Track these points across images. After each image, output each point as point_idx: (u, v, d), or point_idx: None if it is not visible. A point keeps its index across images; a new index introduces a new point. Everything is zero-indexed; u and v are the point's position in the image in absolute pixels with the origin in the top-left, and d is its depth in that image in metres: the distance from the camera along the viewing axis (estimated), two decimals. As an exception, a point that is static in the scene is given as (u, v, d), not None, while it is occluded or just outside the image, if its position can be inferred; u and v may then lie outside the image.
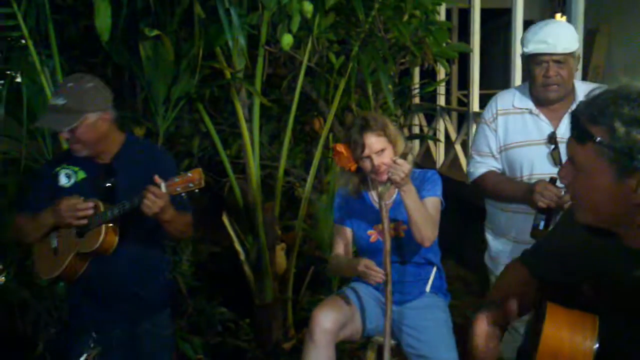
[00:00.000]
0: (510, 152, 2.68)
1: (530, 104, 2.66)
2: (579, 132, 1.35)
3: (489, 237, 2.88)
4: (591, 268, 1.48)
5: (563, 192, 2.36)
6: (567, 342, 1.41)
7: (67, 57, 3.47)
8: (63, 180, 2.46)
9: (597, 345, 1.39)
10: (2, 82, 3.49)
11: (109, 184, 2.45)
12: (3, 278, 1.90)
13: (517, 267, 1.77)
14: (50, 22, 3.13)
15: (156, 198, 2.19)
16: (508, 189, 2.64)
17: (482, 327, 1.56)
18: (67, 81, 2.41)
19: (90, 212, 2.33)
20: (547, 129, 2.61)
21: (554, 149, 2.59)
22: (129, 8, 3.05)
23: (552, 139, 2.60)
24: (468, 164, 2.85)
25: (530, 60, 2.57)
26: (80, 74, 2.53)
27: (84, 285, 2.47)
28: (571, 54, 2.54)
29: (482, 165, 2.74)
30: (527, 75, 2.66)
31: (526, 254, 1.78)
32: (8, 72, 3.41)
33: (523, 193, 2.51)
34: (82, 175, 2.46)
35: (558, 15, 8.97)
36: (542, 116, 2.63)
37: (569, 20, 5.06)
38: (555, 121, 2.61)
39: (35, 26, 3.10)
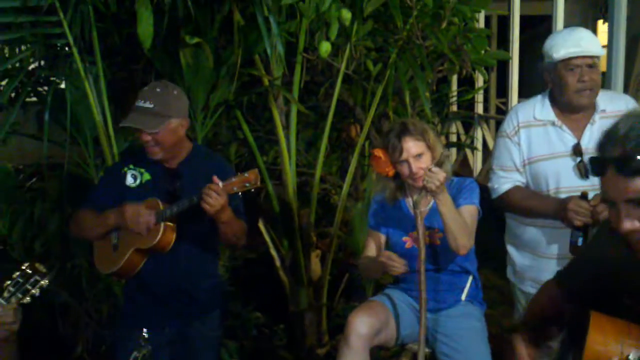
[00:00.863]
0: (535, 165, 2.63)
1: (551, 115, 2.61)
2: (632, 168, 1.25)
3: (512, 251, 2.82)
4: (632, 282, 1.46)
5: (595, 207, 2.33)
6: (612, 348, 1.38)
7: (110, 64, 3.56)
8: (129, 180, 2.57)
9: None
10: (46, 88, 3.59)
11: (174, 188, 2.53)
12: (47, 281, 1.95)
13: (551, 288, 1.75)
14: (95, 30, 3.20)
15: (216, 195, 2.26)
16: (538, 205, 2.57)
17: (522, 350, 1.54)
18: (154, 86, 2.51)
19: (153, 221, 2.41)
20: (571, 140, 2.56)
21: (579, 161, 2.54)
22: (170, 16, 3.11)
23: (577, 150, 2.55)
24: (490, 179, 2.77)
25: (560, 66, 2.52)
26: (164, 81, 2.67)
27: (139, 282, 2.56)
28: (599, 59, 2.53)
29: (507, 180, 2.67)
30: (553, 83, 2.60)
31: (560, 274, 1.76)
32: (53, 79, 3.50)
33: (554, 210, 2.46)
34: (147, 177, 2.57)
35: (600, 21, 8.84)
36: (565, 127, 2.58)
37: (611, 27, 4.98)
38: (578, 132, 2.57)
39: (80, 34, 3.18)
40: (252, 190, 2.34)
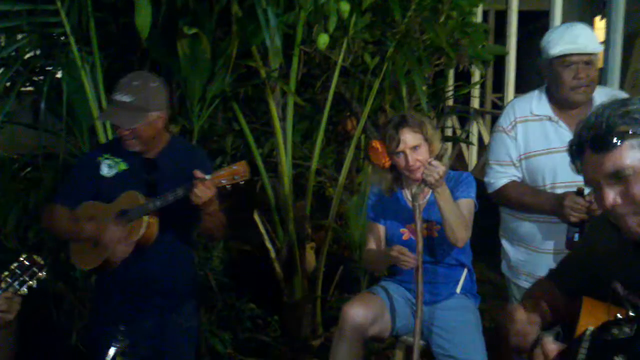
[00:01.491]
0: (531, 160, 2.63)
1: (549, 111, 2.61)
2: (603, 143, 1.35)
3: (506, 245, 2.82)
4: (621, 270, 1.47)
5: (591, 202, 2.33)
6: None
7: (106, 54, 3.54)
8: (105, 170, 2.51)
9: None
10: (42, 77, 3.58)
11: (151, 179, 2.49)
12: (44, 273, 1.94)
13: (545, 283, 1.76)
14: (92, 19, 3.19)
15: (205, 187, 2.25)
16: (534, 201, 2.58)
17: (520, 313, 1.55)
18: (132, 79, 2.44)
19: (131, 248, 2.38)
20: (567, 135, 2.55)
21: None
22: (168, 6, 3.09)
23: None
24: (487, 173, 2.77)
25: (556, 62, 2.52)
26: (143, 72, 2.63)
27: (116, 277, 2.51)
28: (596, 55, 2.52)
29: (503, 175, 2.67)
30: (549, 79, 2.60)
31: (553, 271, 1.78)
32: (49, 68, 3.48)
33: (551, 206, 2.47)
34: (123, 166, 2.51)
35: (597, 18, 8.87)
36: (561, 123, 2.58)
37: (608, 24, 4.99)
38: (575, 127, 2.57)
39: (77, 23, 3.16)
40: (242, 183, 2.31)
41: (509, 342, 1.58)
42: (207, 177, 2.26)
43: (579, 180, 2.48)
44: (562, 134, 2.57)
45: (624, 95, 2.72)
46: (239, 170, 2.28)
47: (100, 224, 2.41)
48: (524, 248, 2.73)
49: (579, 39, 2.48)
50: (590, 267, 1.59)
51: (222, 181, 2.28)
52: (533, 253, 2.69)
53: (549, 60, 2.54)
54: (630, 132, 1.32)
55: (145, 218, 2.39)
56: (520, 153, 2.65)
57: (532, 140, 2.62)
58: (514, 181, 2.67)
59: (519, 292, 2.77)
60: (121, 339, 2.44)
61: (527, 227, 2.68)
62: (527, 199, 2.61)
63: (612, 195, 1.37)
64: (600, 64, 2.58)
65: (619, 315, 1.21)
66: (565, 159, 2.54)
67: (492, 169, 2.72)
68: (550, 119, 2.61)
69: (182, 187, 2.31)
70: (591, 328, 1.24)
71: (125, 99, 2.37)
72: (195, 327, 2.73)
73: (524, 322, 1.55)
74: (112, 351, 2.43)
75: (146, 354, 2.53)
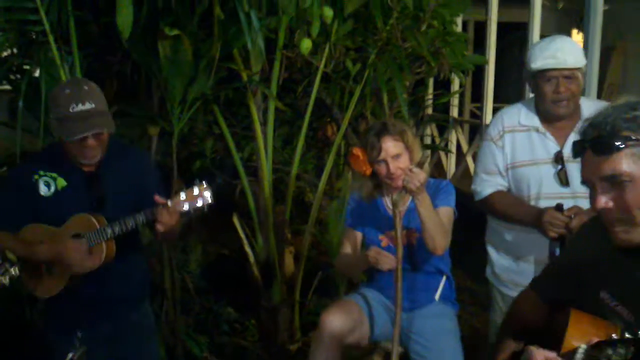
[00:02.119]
0: (518, 170, 2.65)
1: (536, 122, 2.63)
2: (604, 146, 1.33)
3: (492, 252, 2.84)
4: (609, 276, 1.47)
5: (570, 218, 2.35)
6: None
7: (86, 53, 3.50)
8: (43, 189, 2.31)
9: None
10: (20, 76, 3.52)
11: (96, 194, 2.34)
12: (17, 271, 1.90)
13: (528, 295, 1.77)
14: (72, 18, 3.15)
15: (169, 214, 2.15)
16: (516, 213, 2.60)
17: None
18: (76, 86, 2.26)
19: (98, 264, 2.26)
20: (554, 147, 2.58)
21: (560, 168, 2.57)
22: (150, 6, 3.07)
23: (558, 158, 2.58)
24: (474, 181, 2.80)
25: (538, 76, 2.54)
26: (77, 77, 2.45)
27: (69, 291, 2.38)
28: (579, 69, 2.52)
29: (489, 183, 2.69)
30: (534, 91, 2.62)
31: (535, 280, 1.78)
32: (27, 67, 3.43)
33: (532, 219, 2.48)
34: (62, 182, 2.32)
35: (575, 31, 8.98)
36: (548, 135, 2.60)
37: (586, 37, 5.06)
38: (562, 139, 2.59)
39: (56, 21, 3.12)
40: (206, 209, 2.18)
41: None
42: (169, 202, 2.14)
43: (563, 192, 2.53)
44: (549, 146, 2.59)
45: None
46: (200, 193, 2.17)
47: (54, 247, 2.26)
48: (509, 256, 2.74)
49: (558, 53, 2.49)
50: (575, 274, 1.59)
51: (185, 206, 2.17)
52: (517, 261, 2.70)
53: (532, 74, 2.56)
54: (632, 139, 1.31)
55: (103, 244, 2.26)
56: (507, 163, 2.67)
57: (519, 150, 2.64)
58: (499, 191, 2.68)
59: (502, 299, 2.79)
60: (79, 345, 2.29)
61: (513, 235, 2.70)
62: (510, 210, 2.62)
63: (604, 199, 1.37)
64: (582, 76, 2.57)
65: (614, 335, 1.19)
66: (550, 170, 2.59)
67: (479, 177, 2.74)
68: (537, 130, 2.62)
69: (142, 214, 2.20)
70: (584, 346, 1.23)
71: (88, 106, 2.19)
72: (151, 324, 2.67)
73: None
74: (69, 358, 2.34)
75: (105, 359, 2.44)
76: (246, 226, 3.91)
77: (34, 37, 3.29)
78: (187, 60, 3.26)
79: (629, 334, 1.30)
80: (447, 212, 2.55)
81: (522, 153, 2.63)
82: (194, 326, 3.79)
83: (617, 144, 1.32)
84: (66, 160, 2.32)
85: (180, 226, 2.32)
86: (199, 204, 2.17)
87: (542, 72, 2.51)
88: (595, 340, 1.25)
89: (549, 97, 2.53)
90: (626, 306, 1.43)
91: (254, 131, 3.68)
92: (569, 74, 2.49)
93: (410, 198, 2.48)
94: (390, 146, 2.48)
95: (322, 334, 2.45)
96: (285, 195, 3.85)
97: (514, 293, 1.95)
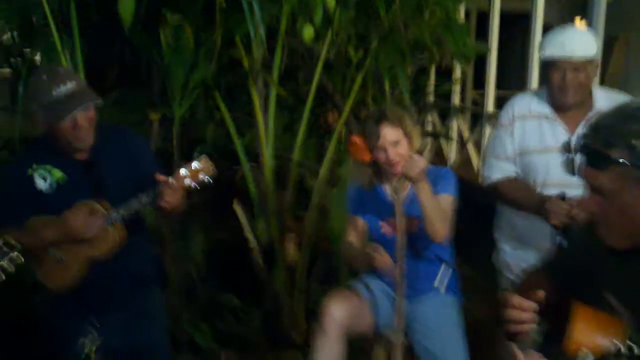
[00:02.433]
0: (526, 157, 2.66)
1: (547, 109, 2.63)
2: (596, 160, 1.35)
3: (500, 238, 2.86)
4: (613, 281, 1.49)
5: (572, 207, 2.36)
6: (595, 340, 1.40)
7: (86, 39, 3.49)
8: (40, 184, 2.27)
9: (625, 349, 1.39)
10: (21, 61, 3.52)
11: (96, 182, 2.31)
12: (17, 253, 1.89)
13: (538, 274, 1.77)
14: (73, 3, 3.14)
15: (173, 191, 2.13)
16: (522, 199, 2.61)
17: (516, 299, 1.55)
18: (51, 71, 2.26)
19: (101, 224, 2.22)
20: (564, 135, 2.58)
21: (568, 157, 2.56)
22: (152, -7, 3.06)
23: (567, 146, 2.58)
24: (483, 166, 2.83)
25: (547, 64, 2.54)
26: (50, 64, 2.38)
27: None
28: (589, 61, 2.51)
29: (498, 169, 2.71)
30: (546, 79, 2.62)
31: (547, 263, 1.79)
32: (27, 52, 3.43)
33: (535, 206, 2.49)
34: (58, 174, 2.28)
35: (578, 19, 8.93)
36: (559, 122, 2.61)
37: (589, 27, 5.04)
38: (572, 128, 2.59)
39: (57, 7, 3.11)
40: (210, 182, 2.17)
41: (502, 329, 1.58)
42: (171, 179, 2.12)
43: (570, 180, 2.52)
44: (558, 133, 2.60)
45: (626, 99, 2.64)
46: (202, 167, 2.15)
47: (59, 227, 2.23)
48: (518, 242, 2.76)
49: (567, 43, 2.48)
50: (577, 267, 1.59)
51: (187, 181, 2.14)
52: (526, 248, 2.71)
53: (542, 62, 2.57)
54: (621, 161, 1.32)
55: (110, 229, 2.25)
56: (516, 149, 2.68)
57: (529, 137, 2.65)
58: (507, 177, 2.70)
59: (509, 286, 2.80)
60: (93, 332, 2.35)
61: (522, 222, 2.70)
62: (517, 195, 2.64)
63: (589, 204, 1.41)
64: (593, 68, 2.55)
65: (618, 343, 1.20)
66: (558, 158, 2.58)
67: (489, 162, 2.77)
68: (547, 117, 2.63)
69: (146, 194, 2.18)
70: (585, 350, 1.24)
71: (70, 85, 2.15)
72: (162, 310, 2.66)
73: (519, 308, 1.54)
74: (87, 346, 2.33)
75: (119, 348, 2.43)
76: (247, 213, 3.91)
77: (35, 22, 3.28)
78: (189, 48, 3.26)
79: (634, 332, 1.32)
80: (447, 199, 2.55)
81: (531, 140, 2.65)
82: (196, 314, 3.80)
83: (605, 162, 1.34)
84: (59, 151, 2.28)
85: (184, 203, 2.29)
86: (202, 177, 2.15)
87: (551, 61, 2.52)
88: (602, 341, 1.26)
89: (555, 85, 2.54)
90: (628, 309, 1.44)
91: (255, 117, 3.68)
92: (578, 65, 2.48)
93: (411, 185, 2.48)
94: (389, 133, 2.48)
95: (326, 323, 2.46)
96: (287, 181, 3.85)
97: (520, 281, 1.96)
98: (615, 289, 1.48)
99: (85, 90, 2.22)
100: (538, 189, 2.61)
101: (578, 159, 1.46)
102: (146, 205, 2.21)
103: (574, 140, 2.55)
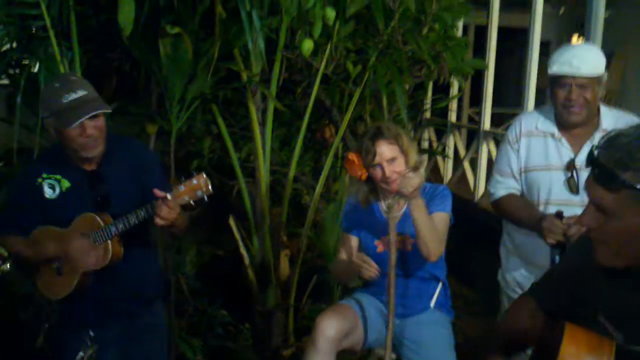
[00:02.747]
0: (530, 174, 2.67)
1: (553, 128, 2.64)
2: (606, 178, 1.32)
3: (503, 255, 2.87)
4: (607, 302, 1.47)
5: (569, 226, 2.35)
6: None
7: (86, 49, 3.48)
8: (48, 192, 2.33)
9: None
10: (19, 71, 3.50)
11: (101, 193, 2.34)
12: (8, 266, 1.88)
13: (525, 301, 1.76)
14: (73, 13, 3.14)
15: (169, 208, 2.13)
16: (523, 217, 2.61)
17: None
18: (64, 78, 2.31)
19: (104, 262, 2.27)
20: (568, 154, 2.59)
21: (571, 176, 2.57)
22: (151, 4, 3.05)
23: (570, 166, 2.58)
24: (489, 183, 2.85)
25: (554, 81, 2.55)
26: (65, 73, 2.43)
27: (85, 290, 2.39)
28: (596, 79, 2.50)
29: (503, 185, 2.73)
30: (552, 96, 2.62)
31: (535, 287, 1.78)
32: (26, 62, 3.41)
33: (534, 223, 2.49)
34: (66, 184, 2.34)
35: (575, 36, 8.98)
36: (564, 141, 2.61)
37: (586, 42, 5.05)
38: (577, 147, 2.59)
39: (57, 17, 3.11)
40: (206, 199, 2.17)
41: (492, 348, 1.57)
42: (169, 196, 2.12)
43: (572, 199, 2.53)
44: (563, 152, 2.61)
45: (634, 119, 2.65)
46: (199, 184, 2.15)
47: (60, 246, 2.28)
48: (521, 260, 2.76)
49: (574, 60, 2.48)
50: (570, 287, 1.58)
51: (185, 198, 2.15)
52: (528, 266, 2.72)
53: (549, 78, 2.57)
54: (630, 184, 1.30)
55: (109, 242, 2.26)
56: (521, 166, 2.70)
57: (533, 155, 2.67)
58: (511, 194, 2.71)
59: (509, 304, 2.79)
60: (90, 344, 2.36)
61: (524, 239, 2.70)
62: (518, 213, 2.66)
63: (588, 218, 1.39)
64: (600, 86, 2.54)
65: None
66: (561, 177, 2.59)
67: (494, 178, 2.79)
68: (553, 135, 2.64)
69: (143, 209, 2.20)
70: None
71: (80, 93, 2.20)
72: (164, 324, 2.67)
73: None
74: (79, 356, 2.35)
75: (116, 358, 2.46)
76: (242, 228, 3.90)
77: (34, 31, 3.27)
78: (187, 59, 3.25)
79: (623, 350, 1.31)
80: (443, 217, 2.54)
81: (536, 157, 2.66)
82: (187, 328, 3.77)
83: (615, 184, 1.31)
84: (68, 161, 2.33)
85: (185, 219, 2.31)
86: (199, 194, 2.16)
87: (557, 78, 2.52)
88: None
89: (560, 103, 2.55)
90: (620, 330, 1.43)
91: (252, 131, 3.67)
92: (584, 83, 2.49)
93: (406, 203, 2.46)
94: (385, 150, 2.47)
95: (317, 339, 2.44)
96: (282, 197, 3.83)
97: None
98: (607, 310, 1.47)
99: (95, 99, 2.25)
100: (541, 207, 2.62)
101: (582, 178, 1.45)
102: (143, 219, 2.21)
103: (578, 160, 2.55)
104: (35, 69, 3.35)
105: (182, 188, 2.15)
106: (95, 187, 2.34)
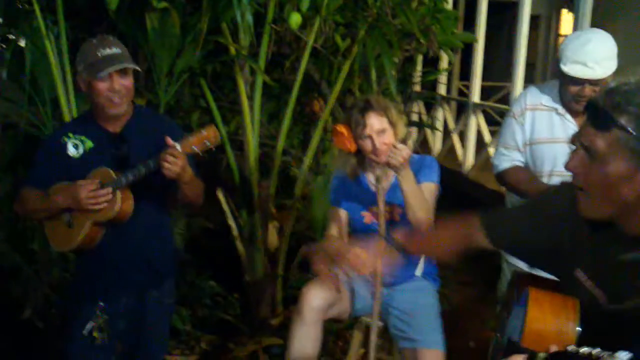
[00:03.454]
0: (535, 147, 2.74)
1: (558, 105, 2.70)
2: (600, 120, 1.31)
3: None
4: (585, 255, 1.47)
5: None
6: (551, 325, 1.42)
7: (72, 24, 3.46)
8: (71, 150, 2.42)
9: (579, 328, 1.41)
10: (5, 46, 3.49)
11: (121, 153, 2.42)
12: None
13: (472, 225, 1.71)
14: (58, -13, 3.12)
15: (175, 158, 2.19)
16: (527, 188, 2.68)
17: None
18: (102, 37, 2.38)
19: (110, 197, 2.31)
20: (572, 128, 2.64)
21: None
22: (138, -22, 3.04)
23: (575, 138, 2.61)
24: (493, 155, 2.92)
25: (566, 76, 2.56)
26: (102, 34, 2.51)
27: (96, 254, 2.46)
28: (609, 75, 2.51)
29: (507, 158, 2.79)
30: (559, 76, 2.64)
31: (487, 218, 1.71)
32: (12, 37, 3.39)
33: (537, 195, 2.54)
34: (89, 144, 2.42)
35: (565, 11, 8.97)
36: (568, 116, 2.68)
37: (576, 17, 5.06)
38: (580, 121, 2.63)
39: (42, -10, 3.09)
40: (213, 148, 2.26)
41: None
42: (178, 145, 2.19)
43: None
44: (567, 127, 2.67)
45: None
46: (208, 135, 2.23)
47: (69, 192, 2.34)
48: None
49: (589, 61, 2.47)
50: (547, 235, 1.55)
51: (193, 147, 2.22)
52: None
53: (560, 71, 2.58)
54: (622, 126, 1.27)
55: (118, 193, 2.32)
56: (526, 139, 2.76)
57: (538, 128, 2.73)
58: (515, 166, 2.78)
59: (509, 270, 2.85)
60: (99, 314, 2.44)
61: None
62: (522, 185, 2.72)
63: (573, 162, 1.37)
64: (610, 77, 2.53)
65: (569, 349, 1.17)
66: (565, 149, 2.60)
67: (498, 151, 2.85)
68: (557, 111, 2.70)
69: (153, 159, 2.25)
70: (542, 355, 1.22)
71: (115, 50, 2.31)
72: (172, 304, 2.71)
73: None
74: (89, 326, 2.42)
75: (123, 330, 2.51)
76: (230, 200, 3.92)
77: (19, 6, 3.24)
78: (175, 33, 3.24)
79: (590, 309, 1.31)
80: (430, 187, 2.58)
81: (541, 130, 2.72)
82: (176, 299, 3.80)
83: (608, 124, 1.29)
84: (95, 124, 2.43)
85: (193, 177, 2.36)
86: (207, 144, 2.24)
87: (570, 76, 2.54)
88: (554, 348, 1.25)
89: (570, 95, 2.60)
90: (599, 286, 1.43)
91: (240, 105, 3.67)
92: (597, 81, 2.50)
93: (394, 174, 2.50)
94: (375, 122, 2.49)
95: (303, 308, 2.48)
96: (271, 169, 3.85)
97: (520, 263, 1.98)
98: (586, 266, 1.47)
99: (128, 57, 2.34)
100: (545, 178, 2.70)
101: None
102: (152, 169, 2.27)
103: None
104: (22, 44, 3.34)
105: (192, 138, 2.23)
106: (117, 147, 2.43)
